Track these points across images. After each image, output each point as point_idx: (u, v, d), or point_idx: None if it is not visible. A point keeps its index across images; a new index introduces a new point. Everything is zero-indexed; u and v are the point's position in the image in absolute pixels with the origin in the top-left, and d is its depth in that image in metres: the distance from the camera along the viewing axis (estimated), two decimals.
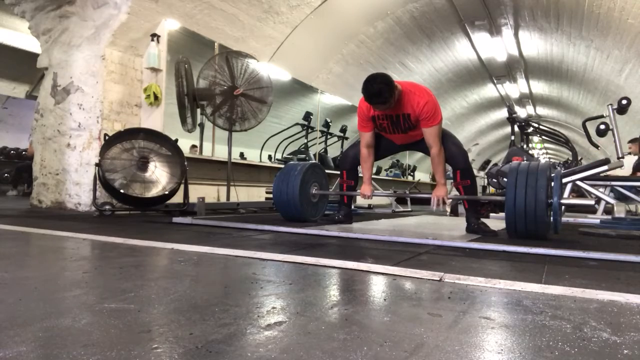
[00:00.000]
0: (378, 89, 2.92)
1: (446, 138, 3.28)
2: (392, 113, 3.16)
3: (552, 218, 2.78)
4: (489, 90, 14.43)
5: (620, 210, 4.34)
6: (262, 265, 1.82)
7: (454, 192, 3.66)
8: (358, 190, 3.58)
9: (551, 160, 23.11)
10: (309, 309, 1.18)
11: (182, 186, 4.50)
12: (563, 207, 5.06)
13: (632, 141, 7.37)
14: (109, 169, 4.14)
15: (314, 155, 9.30)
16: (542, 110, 16.89)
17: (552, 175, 2.89)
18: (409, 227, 3.84)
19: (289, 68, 7.75)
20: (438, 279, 1.60)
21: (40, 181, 4.91)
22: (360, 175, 3.75)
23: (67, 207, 4.69)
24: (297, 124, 9.28)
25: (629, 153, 8.11)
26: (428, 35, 9.58)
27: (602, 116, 5.42)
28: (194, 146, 6.60)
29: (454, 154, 3.24)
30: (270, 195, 4.00)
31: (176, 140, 4.56)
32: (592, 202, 3.13)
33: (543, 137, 9.08)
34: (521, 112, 16.07)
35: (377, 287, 1.53)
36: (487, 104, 15.72)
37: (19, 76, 10.03)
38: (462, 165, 3.26)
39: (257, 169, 7.08)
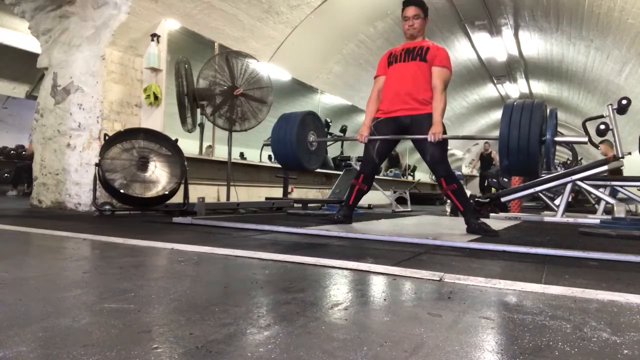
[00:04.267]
0: None
1: (440, 146, 3.27)
2: (410, 45, 3.50)
3: (544, 155, 2.80)
4: (489, 90, 14.43)
5: (620, 210, 4.33)
6: (262, 265, 1.82)
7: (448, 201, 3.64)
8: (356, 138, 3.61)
9: None
10: (309, 309, 1.18)
11: (182, 186, 4.49)
12: (561, 206, 5.07)
13: (602, 142, 7.31)
14: (109, 169, 4.13)
15: None
16: None
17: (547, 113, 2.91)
18: (409, 227, 3.84)
19: (289, 68, 7.75)
20: (438, 279, 1.60)
21: (40, 181, 4.91)
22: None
23: (67, 207, 4.69)
24: None
25: (604, 153, 8.10)
26: (428, 35, 9.57)
27: (602, 116, 5.41)
28: (209, 146, 6.63)
29: (437, 160, 3.27)
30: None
31: (176, 140, 4.56)
32: (585, 139, 3.16)
33: None
34: None
35: (377, 287, 1.53)
36: (487, 104, 15.72)
37: (19, 76, 10.03)
38: (444, 173, 3.29)
39: (257, 169, 7.08)
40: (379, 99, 3.56)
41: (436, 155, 3.26)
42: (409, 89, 3.35)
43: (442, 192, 3.41)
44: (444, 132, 3.26)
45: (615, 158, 5.02)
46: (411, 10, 3.55)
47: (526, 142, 2.70)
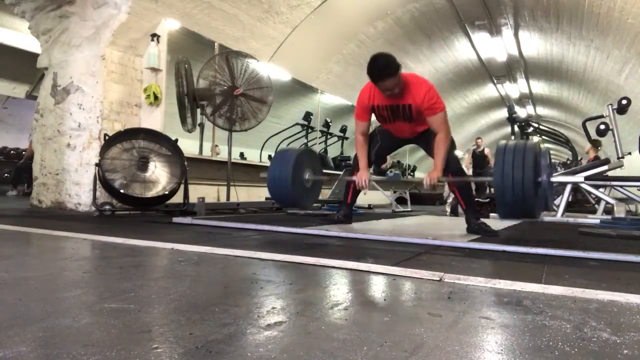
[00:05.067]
0: (385, 61, 2.93)
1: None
2: (393, 103, 3.16)
3: (544, 196, 2.78)
4: (489, 90, 14.43)
5: (620, 210, 4.33)
6: (262, 265, 1.82)
7: (452, 195, 3.64)
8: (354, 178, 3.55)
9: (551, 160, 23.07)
10: (309, 309, 1.18)
11: (182, 186, 4.49)
12: (561, 206, 5.06)
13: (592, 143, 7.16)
14: (109, 169, 4.13)
15: None
16: (542, 110, 16.90)
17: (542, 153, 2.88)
18: (409, 227, 3.84)
19: (289, 68, 7.75)
20: (438, 279, 1.60)
21: (40, 181, 4.91)
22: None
23: (67, 207, 4.69)
24: (297, 124, 9.28)
25: (586, 152, 8.02)
26: (428, 35, 9.58)
27: (602, 116, 5.42)
28: (216, 146, 6.56)
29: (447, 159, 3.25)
30: (268, 196, 3.97)
31: (176, 140, 4.56)
32: (581, 178, 3.11)
33: (543, 137, 9.08)
34: (521, 112, 16.06)
35: (377, 287, 1.53)
36: (487, 104, 15.72)
37: (19, 76, 10.03)
38: (453, 169, 3.27)
39: (257, 169, 7.07)
40: (366, 142, 3.42)
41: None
42: (409, 134, 3.40)
43: (448, 188, 3.40)
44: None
45: (596, 158, 5.04)
46: (388, 84, 2.98)
47: (520, 185, 2.66)
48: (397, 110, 3.19)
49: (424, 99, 3.05)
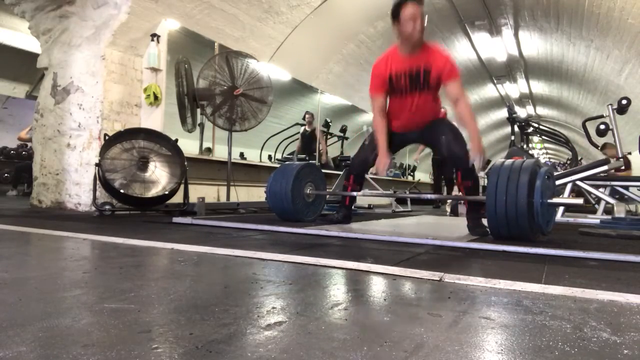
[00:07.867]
0: None
1: (454, 133, 3.24)
2: (412, 65, 3.10)
3: (538, 219, 2.72)
4: (489, 90, 14.43)
5: (620, 210, 4.33)
6: (262, 265, 1.82)
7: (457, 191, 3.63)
8: (354, 192, 3.53)
9: (551, 160, 23.07)
10: (309, 309, 1.18)
11: (182, 186, 4.49)
12: (561, 207, 5.06)
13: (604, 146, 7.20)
14: (109, 169, 4.14)
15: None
16: (542, 110, 16.89)
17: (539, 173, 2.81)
18: (409, 227, 3.84)
19: (289, 68, 7.75)
20: (438, 279, 1.60)
21: (40, 181, 4.91)
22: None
23: (67, 207, 4.69)
24: (297, 124, 9.29)
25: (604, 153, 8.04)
26: (428, 35, 9.58)
27: (602, 116, 5.41)
28: (207, 149, 6.48)
29: (456, 152, 3.20)
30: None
31: (176, 140, 4.56)
32: (580, 201, 3.05)
33: (543, 137, 9.07)
34: (521, 112, 16.08)
35: (377, 287, 1.53)
36: (487, 104, 15.72)
37: (19, 76, 10.02)
38: (464, 165, 3.19)
39: (257, 169, 7.08)
40: (385, 121, 3.29)
41: (457, 149, 3.21)
42: (419, 119, 3.30)
43: (456, 184, 3.34)
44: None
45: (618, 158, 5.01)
46: (413, 8, 2.94)
47: (514, 206, 2.55)
48: (417, 77, 3.11)
49: (446, 63, 3.07)
